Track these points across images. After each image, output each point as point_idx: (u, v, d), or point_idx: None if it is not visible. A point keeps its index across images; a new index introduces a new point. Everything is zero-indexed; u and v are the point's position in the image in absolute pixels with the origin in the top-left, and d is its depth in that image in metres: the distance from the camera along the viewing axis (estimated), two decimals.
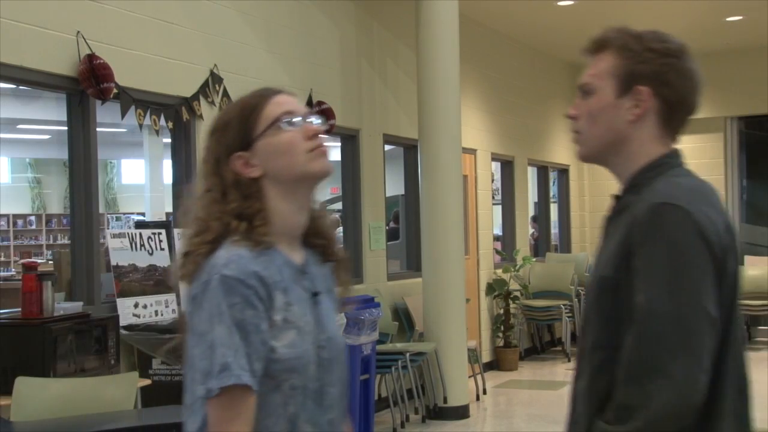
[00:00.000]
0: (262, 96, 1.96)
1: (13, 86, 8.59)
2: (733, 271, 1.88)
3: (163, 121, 6.00)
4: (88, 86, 5.28)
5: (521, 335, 11.04)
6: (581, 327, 2.06)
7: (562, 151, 12.75)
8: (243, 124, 1.93)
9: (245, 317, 1.79)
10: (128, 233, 5.72)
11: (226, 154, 1.92)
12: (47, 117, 12.51)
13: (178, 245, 4.84)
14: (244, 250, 1.84)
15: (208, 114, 6.24)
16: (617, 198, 2.02)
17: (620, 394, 1.80)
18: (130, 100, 5.63)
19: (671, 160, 1.97)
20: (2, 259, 17.01)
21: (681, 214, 1.82)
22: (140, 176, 13.39)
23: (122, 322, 5.30)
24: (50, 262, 9.63)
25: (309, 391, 1.87)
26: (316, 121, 1.97)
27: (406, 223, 9.36)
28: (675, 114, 1.97)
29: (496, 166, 11.41)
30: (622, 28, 2.00)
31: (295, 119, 1.93)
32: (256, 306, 1.81)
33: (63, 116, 5.56)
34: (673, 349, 1.76)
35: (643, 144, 1.96)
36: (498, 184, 11.66)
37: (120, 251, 5.59)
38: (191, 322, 1.83)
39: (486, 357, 10.21)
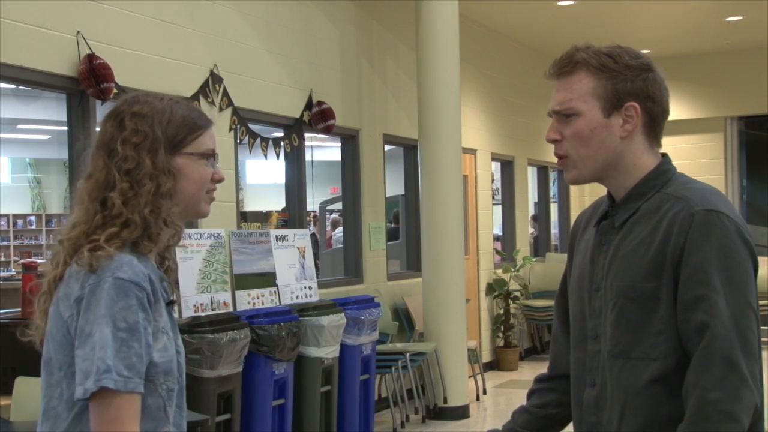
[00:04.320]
0: (206, 123, 2.03)
1: (13, 86, 8.57)
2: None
3: None
4: (88, 86, 5.28)
5: (521, 335, 11.04)
6: (578, 335, 2.07)
7: None
8: (180, 132, 1.97)
9: (139, 319, 1.81)
10: None
11: (163, 144, 1.94)
12: (47, 117, 12.48)
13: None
14: (129, 254, 1.86)
15: (208, 114, 6.23)
16: (611, 206, 2.04)
17: (688, 427, 1.83)
18: None
19: (670, 167, 2.02)
20: (2, 259, 16.97)
21: (725, 219, 1.88)
22: None
23: None
24: None
25: (174, 395, 1.92)
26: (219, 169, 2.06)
27: (406, 223, 9.35)
28: (658, 124, 2.02)
29: (496, 166, 11.41)
30: (589, 46, 2.02)
31: (216, 161, 2.03)
32: (147, 309, 1.83)
33: (63, 116, 5.55)
34: (738, 389, 1.81)
35: (636, 157, 2.00)
36: (498, 184, 11.66)
37: None
38: (71, 324, 1.83)
39: (486, 357, 10.21)
